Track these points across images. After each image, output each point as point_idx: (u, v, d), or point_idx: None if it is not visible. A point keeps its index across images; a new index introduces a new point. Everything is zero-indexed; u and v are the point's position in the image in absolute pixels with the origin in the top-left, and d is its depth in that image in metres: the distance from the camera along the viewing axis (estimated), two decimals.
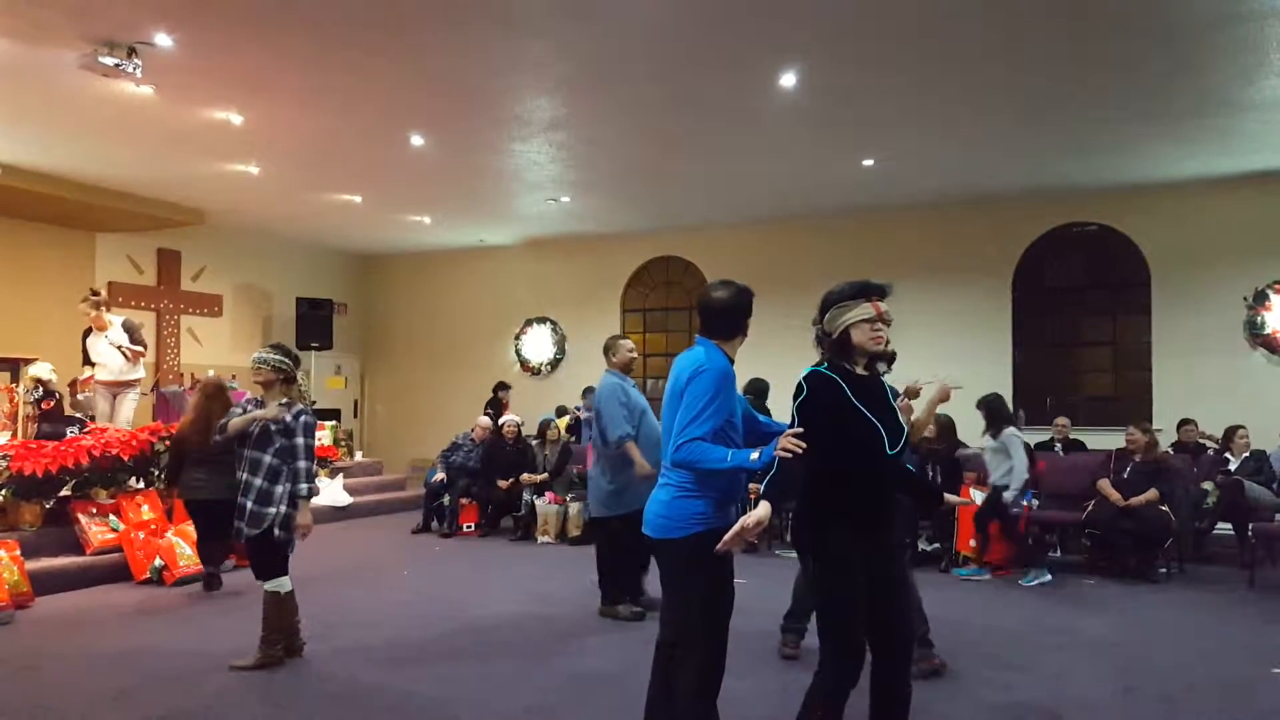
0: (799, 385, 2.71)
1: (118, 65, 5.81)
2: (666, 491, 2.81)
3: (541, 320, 12.93)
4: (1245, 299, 9.23)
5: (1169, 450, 8.26)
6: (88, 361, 7.91)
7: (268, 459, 4.25)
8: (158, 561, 6.31)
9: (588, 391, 10.97)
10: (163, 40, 5.77)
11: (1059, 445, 8.74)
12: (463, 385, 13.08)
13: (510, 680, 4.20)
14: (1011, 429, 6.89)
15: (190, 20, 5.54)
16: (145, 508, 6.77)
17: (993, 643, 4.87)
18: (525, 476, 8.73)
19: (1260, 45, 5.81)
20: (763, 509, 2.58)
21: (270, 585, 4.32)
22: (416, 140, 7.94)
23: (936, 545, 7.10)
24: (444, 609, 5.64)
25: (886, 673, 2.72)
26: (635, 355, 5.60)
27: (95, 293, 7.78)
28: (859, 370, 2.75)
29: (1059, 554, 7.79)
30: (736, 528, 2.59)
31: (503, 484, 8.75)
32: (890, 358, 2.83)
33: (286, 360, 4.36)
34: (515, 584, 6.41)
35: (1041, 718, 3.73)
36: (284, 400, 4.35)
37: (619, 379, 5.41)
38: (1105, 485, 6.97)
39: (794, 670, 4.22)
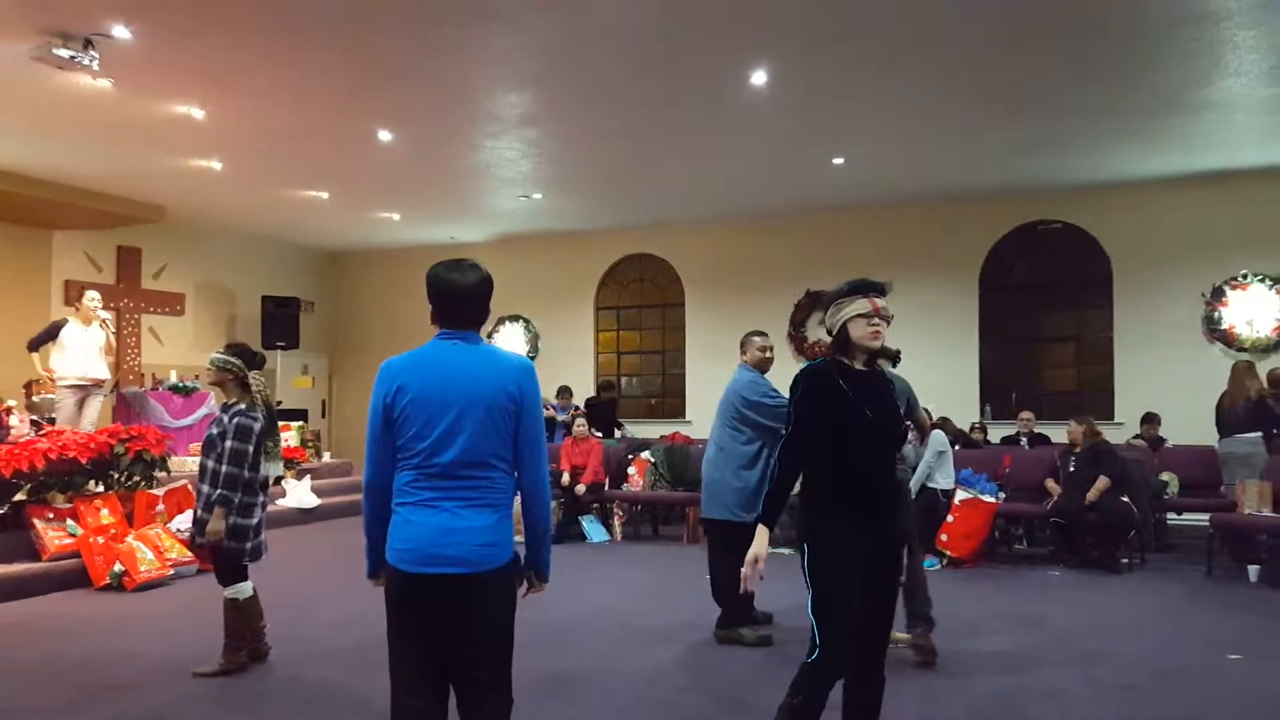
0: (794, 380, 2.80)
1: (73, 58, 5.66)
2: (486, 515, 2.35)
3: (514, 318, 12.86)
4: (1203, 294, 9.46)
5: (1129, 442, 8.45)
6: (43, 364, 7.77)
7: (211, 465, 4.19)
8: (117, 567, 6.17)
9: (562, 391, 10.94)
10: (120, 32, 5.63)
11: (1024, 439, 8.89)
12: None
13: None
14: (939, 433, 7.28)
15: (148, 11, 5.41)
16: (104, 512, 6.61)
17: (960, 633, 4.93)
18: None
19: (1214, 46, 5.94)
20: (761, 539, 2.67)
21: (229, 592, 4.26)
22: (385, 136, 7.85)
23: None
24: None
25: (863, 661, 2.76)
26: (771, 355, 5.05)
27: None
28: (857, 365, 2.80)
29: (1025, 546, 7.93)
30: (748, 569, 2.64)
31: None
32: (893, 356, 2.89)
33: (233, 361, 4.26)
34: None
35: (1007, 706, 3.79)
36: (234, 402, 4.28)
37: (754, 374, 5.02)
38: (1051, 484, 7.28)
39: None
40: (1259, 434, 7.42)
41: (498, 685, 2.43)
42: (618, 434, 10.61)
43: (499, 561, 2.35)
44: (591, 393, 11.90)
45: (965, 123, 7.60)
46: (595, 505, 8.69)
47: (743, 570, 2.66)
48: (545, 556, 2.54)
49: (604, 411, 10.75)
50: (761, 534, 2.68)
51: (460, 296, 2.44)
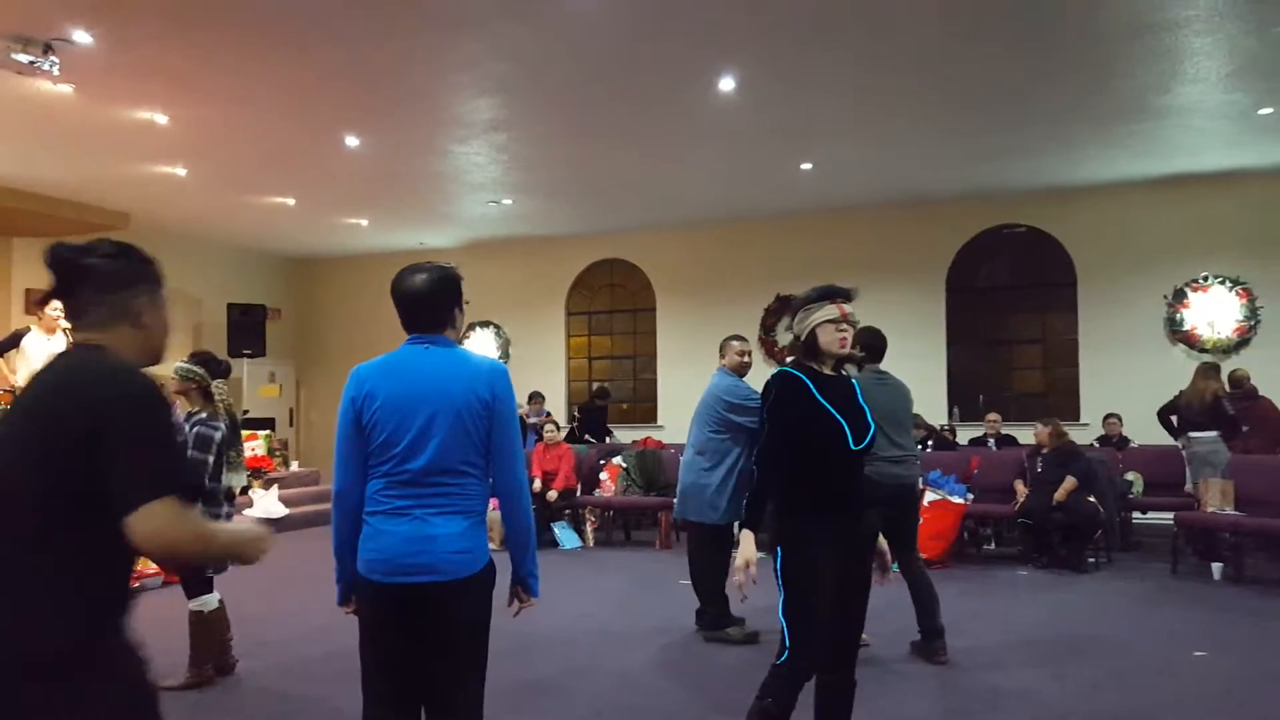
0: (766, 386, 2.82)
1: (33, 63, 5.55)
2: (458, 522, 2.26)
3: (485, 324, 12.78)
4: (1165, 297, 9.65)
5: (1094, 443, 8.59)
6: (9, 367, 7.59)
7: None
8: None
9: (534, 396, 10.90)
10: (81, 37, 5.53)
11: (991, 441, 9.00)
12: None
13: None
14: None
15: (110, 15, 5.32)
16: None
17: None
18: None
19: (1174, 53, 6.07)
20: (748, 544, 2.67)
21: (194, 604, 4.19)
22: (351, 141, 7.77)
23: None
24: None
25: (835, 663, 2.78)
26: (749, 360, 5.08)
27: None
28: (826, 370, 2.83)
29: (993, 547, 8.02)
30: (739, 575, 2.64)
31: None
32: (860, 361, 2.93)
33: (195, 370, 4.20)
34: None
35: (978, 704, 3.83)
36: (196, 411, 4.20)
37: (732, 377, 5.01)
38: (1019, 485, 7.38)
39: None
40: (1216, 433, 7.57)
41: (469, 700, 2.35)
42: (608, 440, 10.61)
43: (472, 569, 2.27)
44: (563, 398, 11.88)
45: (932, 128, 7.70)
46: (567, 511, 8.66)
47: (734, 578, 2.67)
48: (531, 568, 2.42)
49: (597, 417, 10.76)
50: (747, 539, 2.69)
51: (414, 298, 2.38)
